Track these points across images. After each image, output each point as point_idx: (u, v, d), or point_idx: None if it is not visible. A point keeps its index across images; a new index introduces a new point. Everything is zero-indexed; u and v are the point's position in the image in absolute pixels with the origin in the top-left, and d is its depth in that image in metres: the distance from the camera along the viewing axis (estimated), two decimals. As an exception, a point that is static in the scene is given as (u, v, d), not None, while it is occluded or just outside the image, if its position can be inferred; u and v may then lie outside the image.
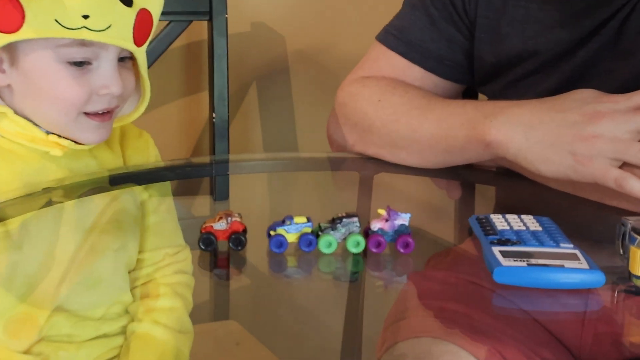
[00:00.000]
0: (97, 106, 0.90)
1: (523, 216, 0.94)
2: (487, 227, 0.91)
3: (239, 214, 0.91)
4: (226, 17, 1.48)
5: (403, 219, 0.88)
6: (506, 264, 0.80)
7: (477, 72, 1.15)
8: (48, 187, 0.91)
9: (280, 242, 0.88)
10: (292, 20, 1.74)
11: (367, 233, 0.88)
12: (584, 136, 0.96)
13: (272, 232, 0.88)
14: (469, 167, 1.08)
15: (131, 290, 0.94)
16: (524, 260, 0.82)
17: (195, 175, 1.24)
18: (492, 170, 1.10)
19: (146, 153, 1.03)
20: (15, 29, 0.86)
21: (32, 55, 0.89)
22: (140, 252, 0.95)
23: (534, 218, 0.93)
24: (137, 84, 0.96)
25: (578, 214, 1.07)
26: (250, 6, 1.70)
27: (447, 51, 1.16)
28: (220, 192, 1.39)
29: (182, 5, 1.45)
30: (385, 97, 1.15)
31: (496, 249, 0.84)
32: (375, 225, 0.87)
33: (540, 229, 0.91)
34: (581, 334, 1.02)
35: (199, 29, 1.59)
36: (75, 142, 0.91)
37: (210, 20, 1.48)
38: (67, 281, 0.92)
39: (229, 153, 1.55)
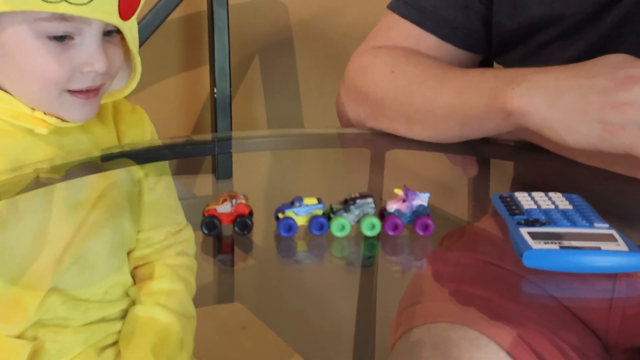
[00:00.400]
0: (81, 84, 0.87)
1: (551, 194, 0.89)
2: (513, 206, 0.86)
3: (245, 196, 0.86)
4: None
5: (421, 199, 0.83)
6: (537, 247, 0.75)
7: (495, 40, 1.11)
8: (38, 166, 0.89)
9: (290, 226, 0.83)
10: None
11: (382, 214, 0.84)
12: (614, 103, 0.91)
13: (280, 215, 0.83)
14: (485, 142, 1.03)
15: (132, 271, 0.92)
16: (555, 243, 0.77)
17: (197, 154, 1.22)
18: (510, 144, 1.05)
19: (142, 128, 0.99)
20: None
21: (9, 30, 0.86)
22: (139, 231, 0.92)
23: (563, 195, 0.88)
24: (128, 59, 0.92)
25: (607, 190, 1.04)
26: None
27: (463, 18, 1.13)
28: (222, 171, 1.38)
29: None
30: (399, 67, 1.12)
31: (524, 230, 0.79)
32: (392, 206, 0.83)
33: (570, 207, 0.86)
34: (608, 318, 0.99)
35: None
36: (61, 119, 0.89)
37: None
38: (61, 262, 0.90)
39: (231, 130, 1.53)
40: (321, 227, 0.82)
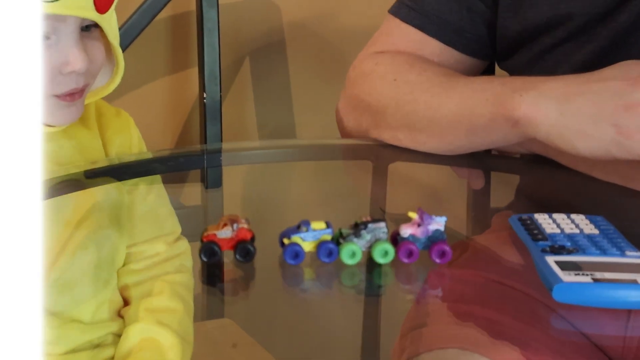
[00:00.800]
0: (64, 87, 0.85)
1: (573, 216, 0.85)
2: (534, 230, 0.82)
3: (247, 219, 0.81)
4: None
5: (438, 224, 0.78)
6: (567, 280, 0.71)
7: (500, 44, 1.10)
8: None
9: (297, 253, 0.78)
10: None
11: (395, 240, 0.79)
12: (629, 104, 0.89)
13: (285, 240, 0.78)
14: (489, 154, 1.03)
15: (127, 287, 0.90)
16: (587, 274, 0.72)
17: (187, 167, 1.19)
18: (516, 157, 1.04)
19: (128, 134, 0.97)
20: None
21: None
22: (132, 245, 0.89)
23: (587, 218, 0.84)
24: (110, 54, 0.90)
25: (629, 210, 1.00)
26: None
27: (467, 22, 1.12)
28: (212, 180, 1.35)
29: None
30: (402, 75, 1.10)
31: (551, 259, 0.75)
32: (406, 231, 0.78)
33: (596, 232, 0.82)
34: (623, 345, 0.97)
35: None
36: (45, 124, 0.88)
37: None
38: (44, 279, 0.83)
39: (221, 136, 1.51)
40: (330, 254, 0.77)
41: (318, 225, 0.80)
